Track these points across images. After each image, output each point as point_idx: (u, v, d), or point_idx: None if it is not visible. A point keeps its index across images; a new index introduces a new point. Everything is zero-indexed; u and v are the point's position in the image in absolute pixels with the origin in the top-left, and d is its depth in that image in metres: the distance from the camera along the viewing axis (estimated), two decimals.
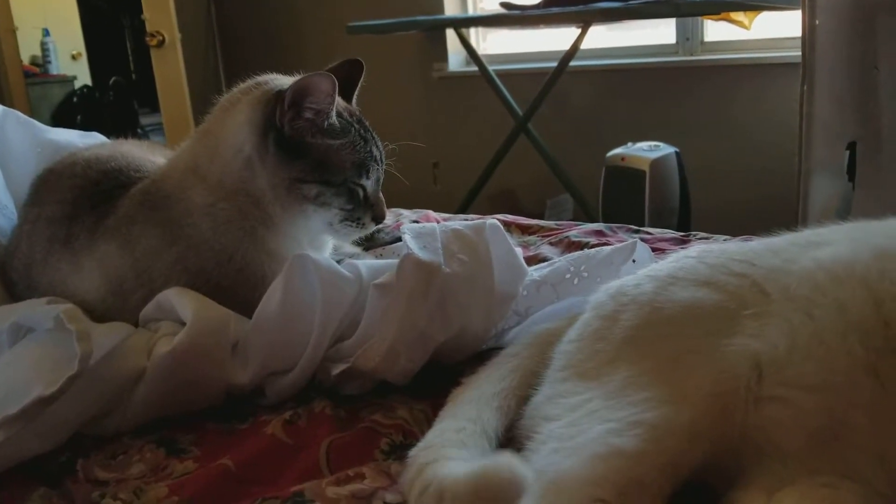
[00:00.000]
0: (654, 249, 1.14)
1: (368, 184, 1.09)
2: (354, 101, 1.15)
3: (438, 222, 1.60)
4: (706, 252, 0.87)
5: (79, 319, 0.91)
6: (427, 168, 3.82)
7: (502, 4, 3.33)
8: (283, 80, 1.07)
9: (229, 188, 1.03)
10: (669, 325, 0.77)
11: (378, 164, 1.10)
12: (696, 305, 0.77)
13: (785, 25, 3.08)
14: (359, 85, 1.16)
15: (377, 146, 1.10)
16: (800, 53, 2.27)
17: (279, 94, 1.02)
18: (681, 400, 0.70)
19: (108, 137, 1.53)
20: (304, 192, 1.03)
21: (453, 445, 0.76)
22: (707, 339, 0.73)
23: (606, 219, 2.89)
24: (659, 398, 0.70)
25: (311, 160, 1.03)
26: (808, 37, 2.24)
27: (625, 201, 2.89)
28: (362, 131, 1.08)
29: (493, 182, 3.49)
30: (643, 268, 0.94)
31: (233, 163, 1.03)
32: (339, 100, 1.05)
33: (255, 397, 0.98)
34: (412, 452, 0.76)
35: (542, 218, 1.88)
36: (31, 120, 1.43)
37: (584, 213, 3.20)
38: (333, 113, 1.03)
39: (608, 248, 1.08)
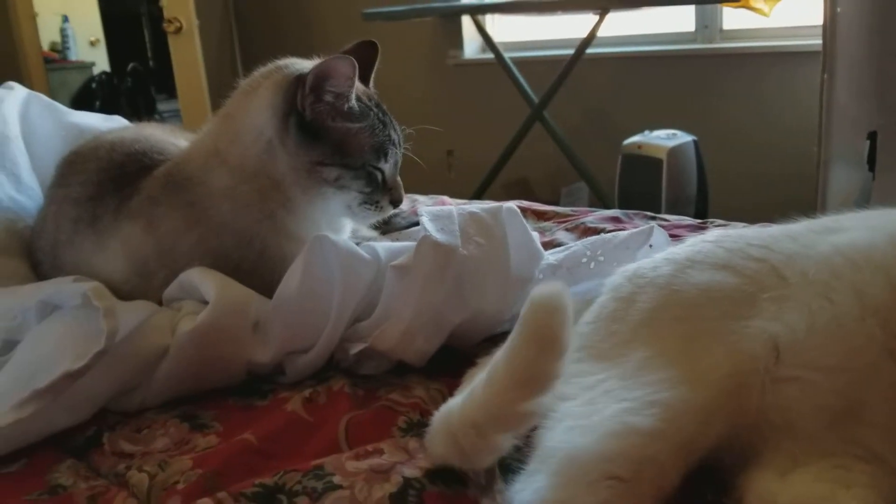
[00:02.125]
0: (670, 236, 1.14)
1: (387, 167, 1.10)
2: (371, 83, 1.17)
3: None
4: (724, 236, 0.88)
5: (105, 297, 0.93)
6: (442, 155, 3.82)
7: None
8: (304, 64, 1.08)
9: (250, 171, 1.05)
10: (687, 307, 0.78)
11: (396, 148, 1.11)
12: (714, 288, 0.78)
13: (805, 13, 3.06)
14: (375, 67, 1.17)
15: (395, 130, 1.11)
16: (820, 42, 2.26)
17: (300, 78, 1.03)
18: (697, 380, 0.71)
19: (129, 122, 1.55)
20: (323, 175, 1.05)
21: None
22: (724, 322, 0.74)
23: (623, 207, 2.87)
24: (675, 378, 0.71)
25: (331, 143, 1.04)
26: (829, 25, 2.22)
27: (641, 190, 2.89)
28: (381, 115, 1.09)
29: (508, 170, 3.49)
30: (660, 252, 0.95)
31: (253, 146, 1.05)
32: (358, 84, 1.06)
33: (274, 375, 1.00)
34: (432, 420, 0.78)
35: (556, 206, 1.89)
36: (55, 103, 1.45)
37: (599, 202, 3.19)
38: (353, 96, 1.04)
39: (625, 232, 1.09)
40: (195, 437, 0.89)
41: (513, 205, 1.04)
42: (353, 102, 1.05)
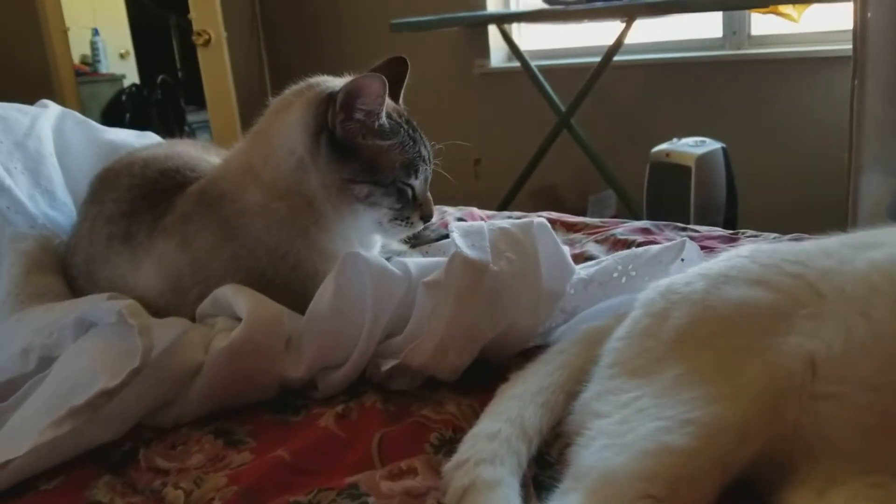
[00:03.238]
0: (701, 247, 1.14)
1: (417, 183, 1.10)
2: (401, 98, 1.17)
3: (483, 219, 1.61)
4: (758, 252, 0.87)
5: (140, 314, 0.94)
6: (468, 165, 3.82)
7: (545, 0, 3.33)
8: (335, 82, 1.09)
9: (282, 188, 1.06)
10: (721, 323, 0.78)
11: (426, 164, 1.12)
12: (749, 304, 0.77)
13: (835, 18, 3.03)
14: (405, 83, 1.18)
15: (425, 146, 1.12)
16: (850, 47, 2.24)
17: (331, 96, 1.04)
18: (732, 397, 0.70)
19: (156, 135, 1.58)
20: (354, 192, 1.06)
21: (486, 460, 0.77)
22: (760, 338, 0.74)
23: (651, 215, 2.86)
24: (710, 396, 0.71)
25: (362, 161, 1.05)
26: (860, 30, 2.20)
27: (670, 198, 2.86)
28: (411, 131, 1.10)
29: (535, 178, 3.49)
30: (692, 267, 0.95)
31: (285, 163, 1.06)
32: (388, 100, 1.07)
33: (306, 391, 1.00)
34: (446, 468, 0.78)
35: (583, 214, 1.88)
36: (88, 120, 1.48)
37: (627, 210, 3.18)
38: (383, 114, 1.05)
39: (656, 246, 1.09)
40: (230, 453, 0.89)
41: (543, 219, 1.04)
42: (384, 120, 1.05)
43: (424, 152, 1.11)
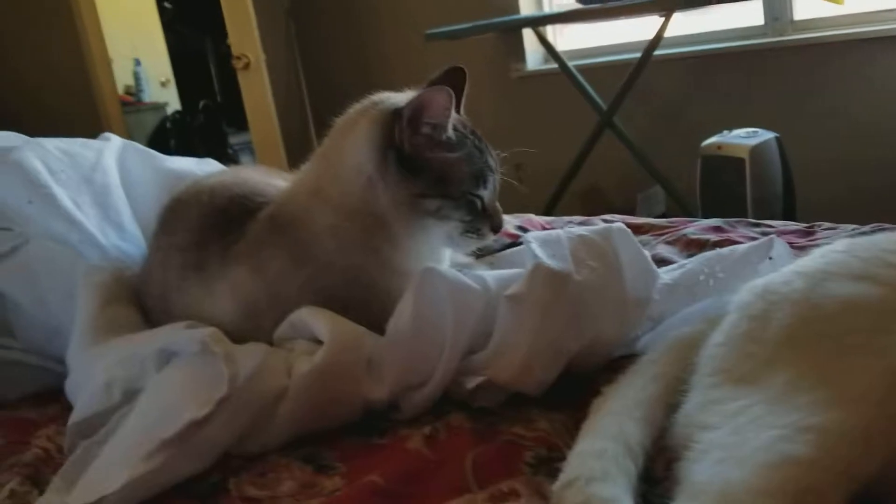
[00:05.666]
0: None
1: (486, 194, 1.09)
2: (462, 109, 1.15)
3: (544, 226, 1.58)
4: (854, 245, 0.84)
5: (223, 342, 0.93)
6: (511, 170, 3.80)
7: None
8: (398, 98, 1.08)
9: (352, 208, 1.05)
10: (830, 322, 0.74)
11: (494, 174, 1.10)
12: (857, 300, 0.74)
13: None
14: (464, 92, 1.16)
15: (491, 155, 1.10)
16: None
17: (397, 112, 1.02)
18: (853, 401, 0.67)
19: (213, 160, 1.58)
20: (425, 207, 1.04)
21: (597, 478, 0.73)
22: (875, 336, 0.70)
23: (705, 210, 2.80)
24: (827, 400, 0.68)
25: (431, 175, 1.04)
26: None
27: (723, 191, 2.79)
28: (477, 141, 1.08)
29: (580, 180, 3.45)
30: (781, 265, 0.91)
31: (354, 183, 1.05)
32: (452, 112, 1.05)
33: (389, 412, 0.99)
34: (555, 487, 0.75)
35: (632, 213, 1.83)
36: (149, 150, 1.49)
37: (678, 206, 3.12)
38: (450, 126, 1.04)
39: (742, 246, 1.05)
40: (320, 479, 0.88)
41: (622, 224, 1.01)
42: (451, 132, 1.04)
43: (491, 162, 1.09)
